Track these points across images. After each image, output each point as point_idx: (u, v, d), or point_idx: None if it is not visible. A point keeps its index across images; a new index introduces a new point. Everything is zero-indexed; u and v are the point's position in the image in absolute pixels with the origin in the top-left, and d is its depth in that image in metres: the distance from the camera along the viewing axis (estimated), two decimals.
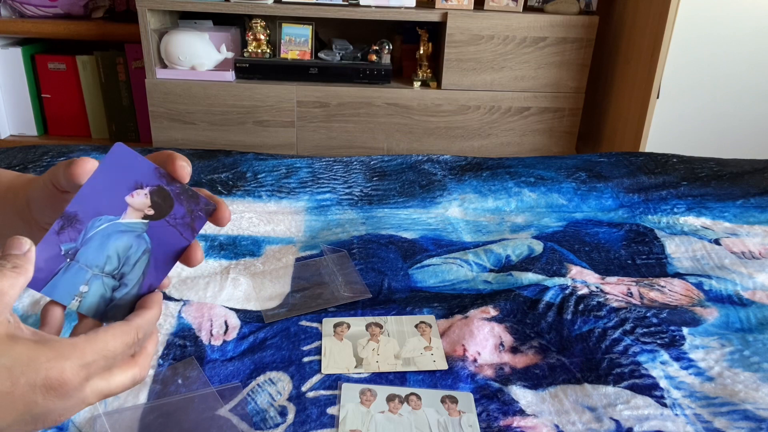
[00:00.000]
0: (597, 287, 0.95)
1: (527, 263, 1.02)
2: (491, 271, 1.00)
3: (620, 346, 0.81)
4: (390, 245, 1.07)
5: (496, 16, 2.01)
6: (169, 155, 0.45)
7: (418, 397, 0.72)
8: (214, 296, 0.90)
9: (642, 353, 0.80)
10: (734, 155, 1.61)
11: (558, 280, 0.95)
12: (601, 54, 2.25)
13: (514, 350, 0.81)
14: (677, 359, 0.79)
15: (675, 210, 1.23)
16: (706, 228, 1.16)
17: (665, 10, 1.83)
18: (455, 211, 1.22)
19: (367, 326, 0.84)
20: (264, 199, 1.24)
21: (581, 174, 1.38)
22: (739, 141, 2.11)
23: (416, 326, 0.85)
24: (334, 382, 0.74)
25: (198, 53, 2.01)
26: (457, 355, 0.79)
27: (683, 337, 0.84)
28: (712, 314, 0.89)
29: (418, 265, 1.01)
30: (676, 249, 1.08)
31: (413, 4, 2.01)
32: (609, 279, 0.98)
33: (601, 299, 0.91)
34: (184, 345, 0.80)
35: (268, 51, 2.10)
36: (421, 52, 2.12)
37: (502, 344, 0.82)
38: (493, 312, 0.87)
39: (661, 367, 0.78)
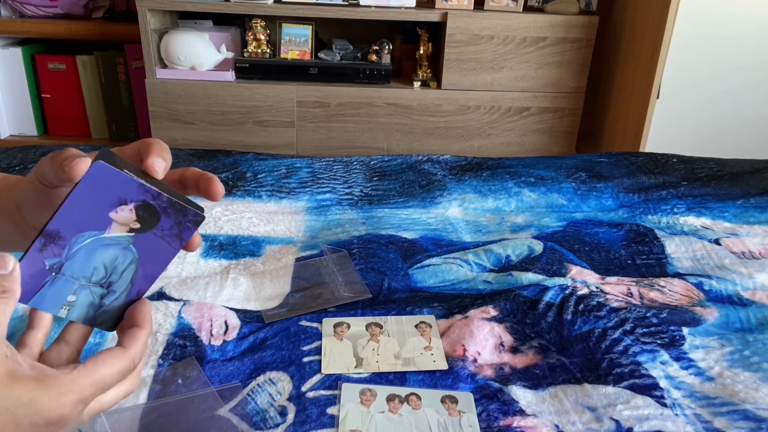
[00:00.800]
0: (597, 287, 0.95)
1: (527, 263, 1.02)
2: (491, 271, 1.00)
3: (620, 346, 0.81)
4: (390, 245, 1.07)
5: (496, 16, 2.01)
6: (146, 148, 0.43)
7: (418, 397, 0.72)
8: (214, 296, 0.90)
9: (642, 353, 0.80)
10: (734, 155, 1.61)
11: (558, 280, 0.95)
12: (601, 54, 2.25)
13: (514, 350, 0.81)
14: (677, 359, 0.79)
15: (675, 210, 1.23)
16: (706, 228, 1.16)
17: (665, 10, 1.83)
18: (455, 211, 1.22)
19: (367, 326, 0.84)
20: (264, 199, 1.24)
21: (581, 174, 1.38)
22: (739, 141, 2.11)
23: (416, 326, 0.85)
24: (334, 382, 0.74)
25: (198, 53, 2.01)
26: (457, 355, 0.79)
27: (683, 337, 0.84)
28: (712, 314, 0.89)
29: (418, 265, 1.01)
30: (676, 249, 1.08)
31: (413, 4, 2.01)
32: (609, 279, 0.98)
33: (601, 299, 0.91)
34: (184, 345, 0.80)
35: (268, 51, 2.10)
36: (421, 52, 2.12)
37: (502, 344, 0.82)
38: (493, 312, 0.87)
39: (661, 367, 0.78)
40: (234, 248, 1.05)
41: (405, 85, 2.13)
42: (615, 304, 0.90)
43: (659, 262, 1.04)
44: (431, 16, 2.02)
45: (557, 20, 2.03)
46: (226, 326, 0.84)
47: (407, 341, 0.82)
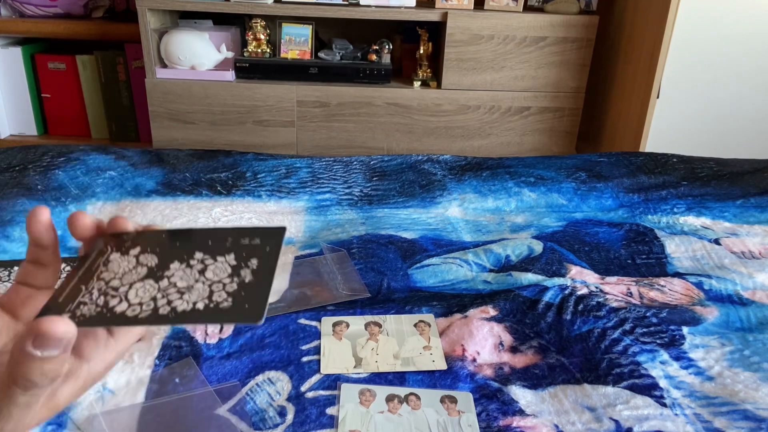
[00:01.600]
0: (597, 287, 0.95)
1: (527, 263, 1.01)
2: (491, 271, 1.00)
3: (620, 346, 0.81)
4: (390, 245, 1.06)
5: (496, 15, 2.01)
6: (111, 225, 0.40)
7: (418, 397, 0.72)
8: None
9: (641, 353, 0.79)
10: (734, 155, 1.61)
11: (558, 280, 0.95)
12: (601, 54, 2.24)
13: (513, 350, 0.81)
14: (677, 359, 0.79)
15: (675, 210, 1.22)
16: (706, 228, 1.16)
17: (665, 10, 1.83)
18: (455, 211, 1.22)
19: (366, 325, 0.84)
20: (264, 199, 1.24)
21: (581, 174, 1.38)
22: (739, 141, 2.11)
23: (415, 325, 0.84)
24: (334, 382, 0.74)
25: (198, 53, 2.01)
26: (457, 355, 0.79)
27: (683, 337, 0.83)
28: (712, 313, 0.89)
29: (418, 265, 1.01)
30: (676, 249, 1.08)
31: (413, 3, 2.01)
32: (609, 279, 0.98)
33: (600, 299, 0.90)
34: (179, 346, 0.80)
35: (268, 51, 2.10)
36: (421, 51, 2.12)
37: (501, 344, 0.82)
38: (492, 312, 0.87)
39: (660, 367, 0.77)
40: None
41: (405, 84, 2.13)
42: (614, 304, 0.89)
43: (659, 262, 1.04)
44: (431, 15, 2.02)
45: (557, 20, 2.02)
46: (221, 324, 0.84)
47: (406, 340, 0.82)
